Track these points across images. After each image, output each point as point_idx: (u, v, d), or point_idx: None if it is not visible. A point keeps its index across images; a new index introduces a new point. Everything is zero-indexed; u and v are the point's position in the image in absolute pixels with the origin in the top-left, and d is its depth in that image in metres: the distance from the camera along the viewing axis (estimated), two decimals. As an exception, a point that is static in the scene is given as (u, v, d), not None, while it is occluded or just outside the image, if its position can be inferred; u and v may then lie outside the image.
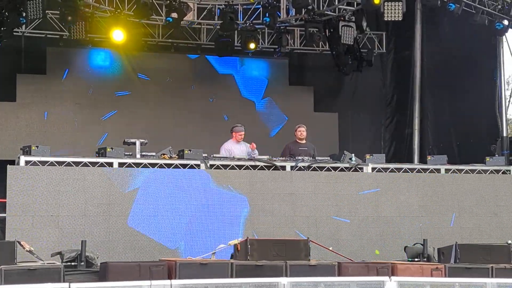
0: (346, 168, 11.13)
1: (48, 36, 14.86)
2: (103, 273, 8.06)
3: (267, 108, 16.45)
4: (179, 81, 15.85)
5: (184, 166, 10.45)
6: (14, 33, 13.92)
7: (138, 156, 10.44)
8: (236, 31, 15.32)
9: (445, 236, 10.83)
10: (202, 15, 15.27)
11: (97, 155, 10.38)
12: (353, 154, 11.39)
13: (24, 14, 12.85)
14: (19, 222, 9.48)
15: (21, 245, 8.22)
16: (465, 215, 11.23)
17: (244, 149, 11.67)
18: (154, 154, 10.63)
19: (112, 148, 10.28)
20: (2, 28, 13.39)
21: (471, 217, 11.24)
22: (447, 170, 11.49)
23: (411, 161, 15.68)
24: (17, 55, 14.99)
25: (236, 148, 11.67)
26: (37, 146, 9.94)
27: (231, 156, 11.13)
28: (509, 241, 9.52)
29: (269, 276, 8.17)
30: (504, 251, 9.26)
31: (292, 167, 10.92)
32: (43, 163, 9.83)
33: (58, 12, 13.72)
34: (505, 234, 11.05)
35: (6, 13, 13.08)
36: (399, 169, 11.32)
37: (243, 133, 11.86)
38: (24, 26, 14.23)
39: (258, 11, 15.18)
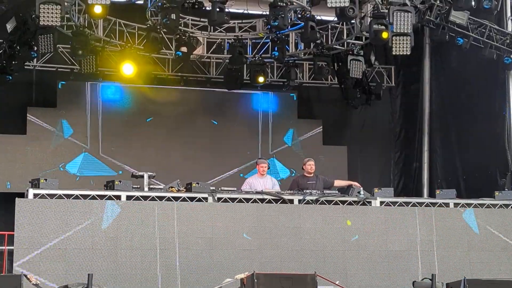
0: (355, 201, 11.10)
1: (59, 69, 15.01)
2: (109, 307, 8.05)
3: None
4: (188, 114, 15.90)
5: (191, 199, 10.45)
6: (26, 67, 14.08)
7: (146, 189, 10.45)
8: (245, 65, 15.41)
9: (453, 271, 10.73)
10: (212, 49, 15.42)
11: (105, 188, 10.42)
12: (361, 188, 11.37)
13: (35, 48, 12.97)
14: (27, 255, 9.46)
15: (28, 278, 8.22)
16: (474, 250, 11.14)
17: (269, 184, 11.62)
18: (162, 187, 10.66)
19: (120, 181, 10.32)
20: (13, 62, 13.55)
21: (480, 251, 11.15)
22: (456, 204, 11.44)
23: (419, 195, 15.63)
24: (28, 88, 15.12)
25: (258, 182, 11.65)
26: (45, 179, 9.98)
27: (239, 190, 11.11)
28: (518, 276, 9.44)
29: (276, 310, 8.16)
30: (513, 287, 9.20)
31: (300, 201, 10.90)
32: (52, 196, 9.85)
33: (69, 46, 13.90)
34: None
35: (18, 47, 13.23)
36: (407, 203, 11.28)
37: (265, 165, 11.87)
38: (35, 60, 14.37)
39: (267, 45, 15.27)
